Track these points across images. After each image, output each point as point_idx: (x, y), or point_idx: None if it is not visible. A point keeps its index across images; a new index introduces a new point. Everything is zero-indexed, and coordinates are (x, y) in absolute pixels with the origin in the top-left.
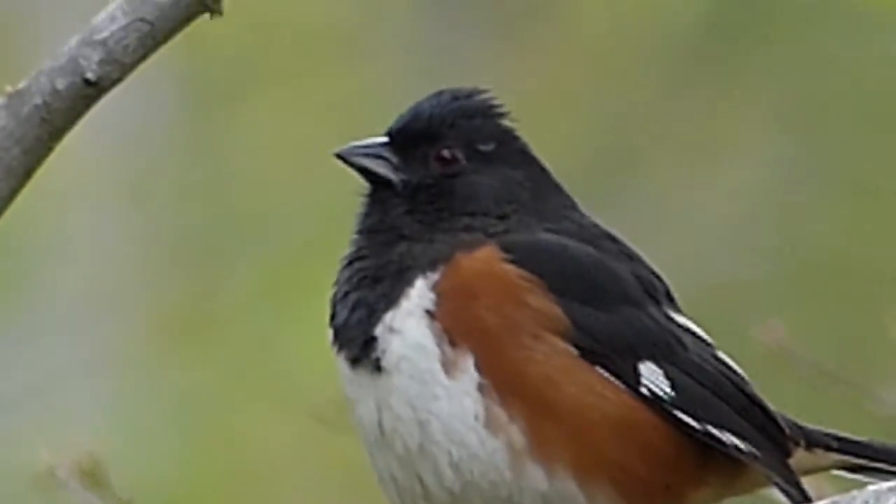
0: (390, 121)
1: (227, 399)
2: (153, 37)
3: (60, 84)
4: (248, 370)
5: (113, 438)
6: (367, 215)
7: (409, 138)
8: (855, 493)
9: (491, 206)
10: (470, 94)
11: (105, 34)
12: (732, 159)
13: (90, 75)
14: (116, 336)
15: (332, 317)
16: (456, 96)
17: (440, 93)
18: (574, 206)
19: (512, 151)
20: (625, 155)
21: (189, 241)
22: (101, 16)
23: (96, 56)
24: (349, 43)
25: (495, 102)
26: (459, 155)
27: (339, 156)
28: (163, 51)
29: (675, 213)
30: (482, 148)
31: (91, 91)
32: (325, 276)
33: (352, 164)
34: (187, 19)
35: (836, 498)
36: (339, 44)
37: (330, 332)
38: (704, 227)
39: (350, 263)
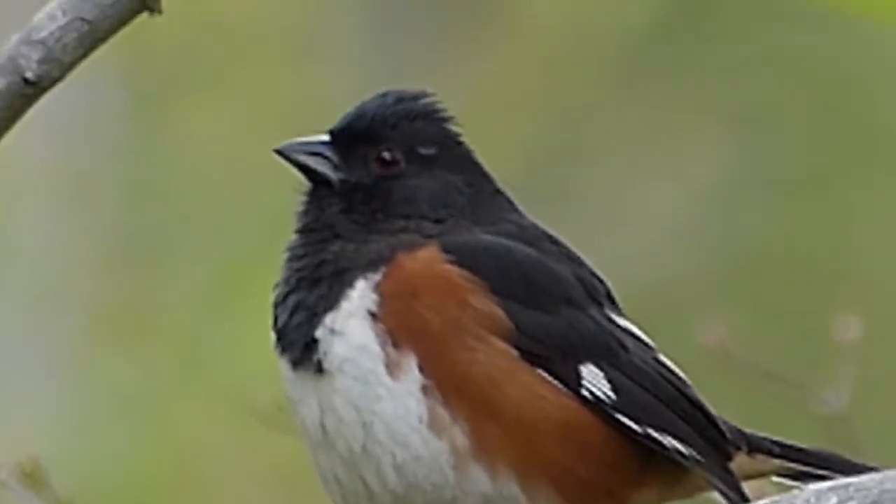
0: (335, 121)
1: (171, 399)
2: (93, 36)
3: (0, 83)
4: (191, 370)
5: (56, 438)
6: (304, 213)
7: (350, 138)
8: (796, 492)
9: (427, 210)
10: (415, 97)
11: (44, 33)
12: (680, 158)
13: (30, 74)
14: (59, 335)
15: (275, 320)
16: (401, 98)
17: (385, 94)
18: (514, 209)
19: (453, 156)
20: (572, 153)
21: (132, 240)
22: (41, 15)
23: (36, 55)
24: (294, 43)
25: (439, 106)
26: (399, 157)
27: (279, 152)
28: (106, 48)
29: (623, 210)
30: (423, 151)
31: (31, 90)
32: (268, 275)
33: (292, 161)
34: (127, 18)
35: (777, 497)
36: (283, 43)
37: (273, 336)
38: (652, 225)
39: (287, 263)
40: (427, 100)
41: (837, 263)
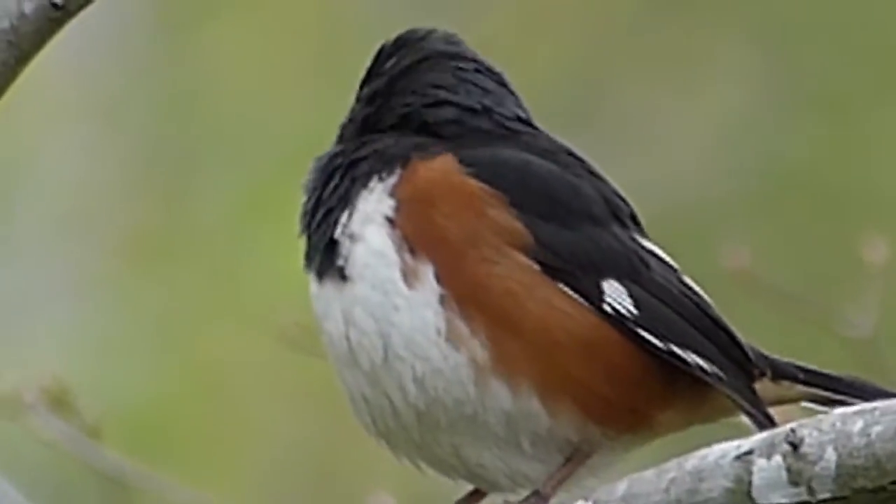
0: (364, 39)
1: (200, 320)
2: None
3: (28, 7)
4: (221, 291)
5: (85, 359)
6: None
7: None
8: (822, 416)
9: (406, 99)
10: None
11: None
12: (706, 80)
13: None
14: (90, 256)
15: (301, 228)
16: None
17: None
18: (523, 109)
19: (428, 62)
20: (600, 76)
21: (161, 162)
22: None
23: None
24: None
25: (413, 34)
26: (379, 86)
27: None
28: None
29: (650, 133)
30: (389, 68)
31: (58, 14)
32: (296, 197)
33: None
34: None
35: (804, 421)
36: None
37: (302, 244)
38: (679, 148)
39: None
40: (402, 37)
41: (865, 184)
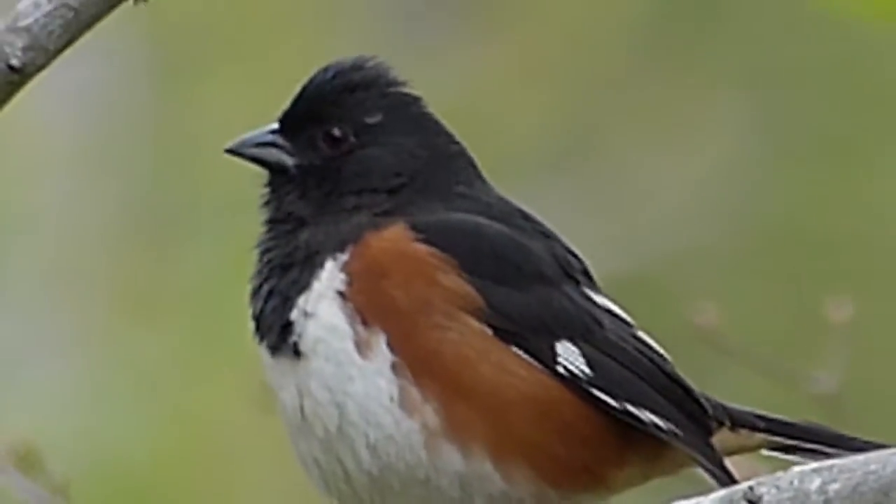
0: None
1: (189, 376)
2: (78, 23)
3: None
4: (210, 348)
5: (67, 415)
6: (267, 203)
7: (296, 121)
8: (780, 473)
9: (378, 183)
10: (354, 67)
11: (29, 20)
12: (694, 131)
13: (15, 62)
14: (78, 311)
15: (252, 310)
16: (339, 70)
17: (325, 69)
18: (478, 176)
19: (402, 119)
20: (588, 126)
21: (152, 215)
22: (26, 2)
23: (20, 42)
24: (318, 14)
25: (382, 71)
26: (347, 131)
27: (230, 151)
28: (128, 19)
29: (636, 183)
30: (369, 121)
31: (16, 77)
32: None
33: (244, 156)
34: (111, 5)
35: (762, 478)
36: (307, 15)
37: (251, 324)
38: (666, 198)
39: (260, 255)
40: (368, 67)
41: (848, 234)
